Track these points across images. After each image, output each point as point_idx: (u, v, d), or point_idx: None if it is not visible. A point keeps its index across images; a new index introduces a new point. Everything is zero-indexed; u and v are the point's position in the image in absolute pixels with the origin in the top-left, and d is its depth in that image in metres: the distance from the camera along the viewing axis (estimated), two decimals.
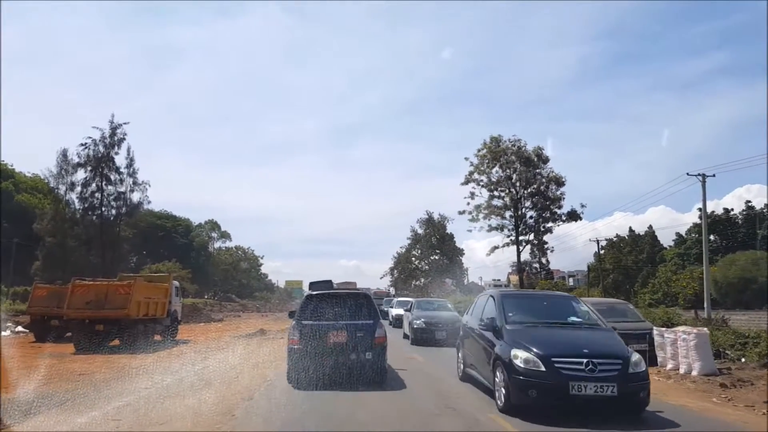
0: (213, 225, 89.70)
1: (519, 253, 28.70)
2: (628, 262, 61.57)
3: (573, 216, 28.57)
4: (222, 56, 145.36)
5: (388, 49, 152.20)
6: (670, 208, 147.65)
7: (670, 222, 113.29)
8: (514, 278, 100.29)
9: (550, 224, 28.64)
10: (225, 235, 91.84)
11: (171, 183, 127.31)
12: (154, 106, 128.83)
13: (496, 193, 28.64)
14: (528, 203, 28.47)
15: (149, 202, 48.21)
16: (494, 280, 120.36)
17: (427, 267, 64.51)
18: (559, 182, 28.15)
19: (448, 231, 64.52)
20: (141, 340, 17.56)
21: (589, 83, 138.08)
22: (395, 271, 67.71)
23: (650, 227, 64.22)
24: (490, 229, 29.04)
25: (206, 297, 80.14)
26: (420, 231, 65.79)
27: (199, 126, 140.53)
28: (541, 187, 28.00)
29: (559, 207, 28.32)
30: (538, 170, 28.27)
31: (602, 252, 65.79)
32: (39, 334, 20.78)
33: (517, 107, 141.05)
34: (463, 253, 66.28)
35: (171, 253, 76.28)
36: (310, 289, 11.56)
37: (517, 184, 28.06)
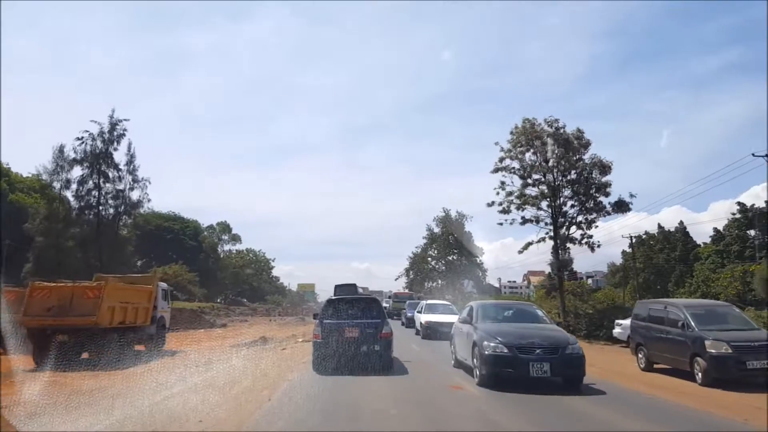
0: (224, 227, 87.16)
1: (557, 248, 25.27)
2: (660, 261, 57.74)
3: (621, 206, 24.77)
4: (233, 59, 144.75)
5: (398, 49, 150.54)
6: (685, 208, 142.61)
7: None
8: (535, 279, 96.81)
9: (593, 216, 24.88)
10: (235, 238, 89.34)
11: (182, 186, 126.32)
12: (165, 109, 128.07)
13: (530, 180, 25.14)
14: (567, 192, 24.91)
15: (149, 200, 45.43)
16: (509, 282, 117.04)
17: (444, 267, 60.94)
18: (605, 168, 24.43)
19: (467, 230, 61.06)
20: (116, 353, 14.63)
21: (600, 81, 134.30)
22: (411, 272, 64.21)
23: (681, 223, 60.29)
24: (524, 221, 25.52)
25: (218, 300, 77.99)
26: (437, 230, 62.31)
27: (210, 129, 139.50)
28: (583, 173, 24.48)
29: (606, 194, 24.47)
30: (578, 156, 24.69)
31: (631, 250, 62.13)
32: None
33: (529, 105, 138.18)
34: (483, 253, 62.71)
35: (179, 256, 73.77)
36: (335, 291, 15.05)
37: (555, 169, 24.56)
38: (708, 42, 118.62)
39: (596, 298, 36.80)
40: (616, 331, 20.42)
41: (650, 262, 58.08)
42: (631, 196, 24.58)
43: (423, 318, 23.11)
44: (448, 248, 60.58)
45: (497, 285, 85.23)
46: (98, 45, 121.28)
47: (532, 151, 25.15)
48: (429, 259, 63.00)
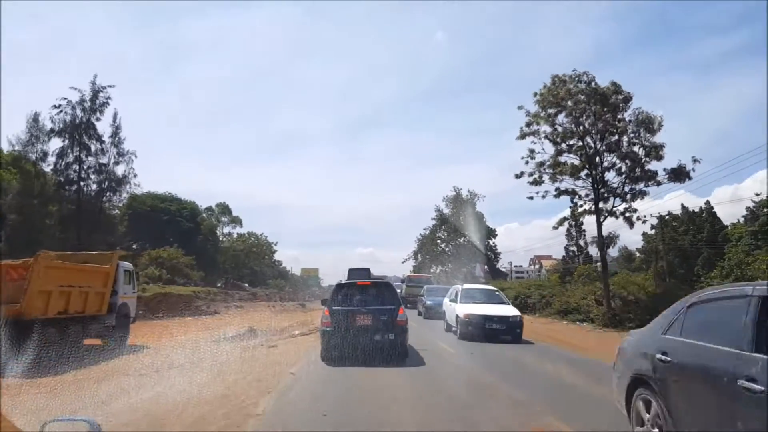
0: (223, 208, 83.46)
1: (600, 224, 21.51)
2: (685, 243, 53.95)
3: (679, 174, 20.19)
4: (232, 50, 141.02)
5: (398, 38, 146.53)
6: (689, 193, 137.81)
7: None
8: (548, 263, 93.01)
9: (642, 185, 20.72)
10: (236, 220, 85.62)
11: (184, 177, 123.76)
12: (165, 100, 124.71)
13: (564, 146, 21.23)
14: (610, 158, 20.86)
15: (135, 176, 41.70)
16: (516, 266, 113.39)
17: (454, 251, 57.22)
18: (653, 125, 20.15)
19: (478, 210, 57.39)
20: (55, 350, 11.13)
21: (605, 65, 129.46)
22: (419, 255, 60.47)
23: (707, 203, 56.30)
24: (559, 193, 21.71)
25: (219, 285, 74.74)
26: (446, 210, 58.62)
27: (212, 120, 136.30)
28: (626, 135, 20.38)
29: (659, 158, 20.19)
30: (618, 113, 20.54)
31: (653, 231, 58.52)
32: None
33: (532, 91, 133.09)
34: (496, 235, 58.97)
35: (176, 238, 70.31)
36: (349, 275, 12.90)
37: (592, 132, 20.60)
38: (715, 24, 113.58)
39: (616, 283, 33.50)
40: None
41: (675, 244, 54.29)
42: (694, 161, 19.93)
43: (462, 310, 17.00)
44: (458, 230, 56.93)
45: (505, 269, 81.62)
46: (96, 34, 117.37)
47: (564, 113, 21.16)
48: (438, 241, 59.32)
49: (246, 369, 9.82)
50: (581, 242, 71.21)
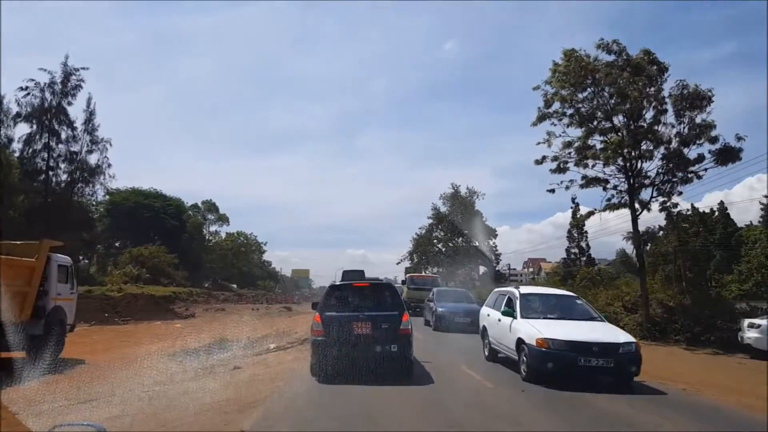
0: (209, 206, 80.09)
1: (635, 217, 18.62)
2: (696, 246, 51.26)
3: (727, 155, 16.96)
4: (228, 44, 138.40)
5: (395, 37, 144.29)
6: (680, 198, 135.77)
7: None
8: (546, 266, 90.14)
9: (685, 172, 17.56)
10: (223, 218, 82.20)
11: (176, 172, 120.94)
12: (159, 94, 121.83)
13: (594, 124, 18.26)
14: (645, 145, 17.77)
15: (109, 166, 38.46)
16: (511, 269, 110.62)
17: (452, 251, 54.12)
18: (700, 99, 16.94)
19: (477, 208, 54.47)
20: None
21: None
22: (414, 255, 57.31)
23: (721, 203, 53.66)
24: (587, 182, 18.77)
25: (206, 285, 71.54)
26: (443, 209, 55.58)
27: (204, 115, 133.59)
28: (664, 111, 17.36)
29: (712, 140, 16.85)
30: (655, 86, 17.48)
31: (661, 233, 55.79)
32: None
33: (526, 94, 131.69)
34: (496, 235, 56.01)
35: (161, 236, 66.97)
36: (343, 278, 11.19)
37: (626, 109, 17.58)
38: (707, 33, 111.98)
39: (617, 286, 30.70)
40: (751, 336, 13.99)
41: (685, 246, 51.59)
42: (738, 139, 16.58)
43: (532, 330, 9.87)
44: (456, 229, 53.95)
45: (505, 272, 78.77)
46: (90, 25, 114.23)
47: (590, 89, 18.15)
48: (435, 241, 56.28)
49: (179, 414, 6.61)
50: (583, 244, 68.95)
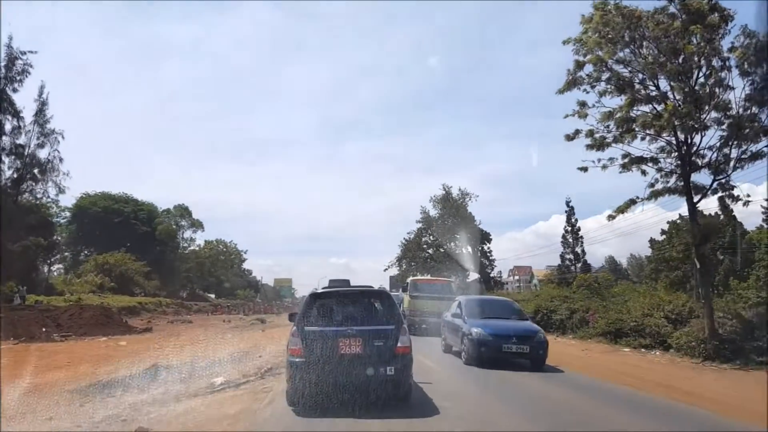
0: (182, 211, 75.69)
1: (693, 206, 15.08)
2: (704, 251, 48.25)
3: None
4: (211, 52, 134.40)
5: (379, 46, 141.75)
6: (658, 206, 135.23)
7: (659, 220, 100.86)
8: (540, 272, 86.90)
9: (753, 147, 13.85)
10: (196, 224, 77.80)
11: (157, 181, 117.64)
12: (141, 101, 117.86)
13: (636, 92, 14.67)
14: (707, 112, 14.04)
15: (61, 161, 34.34)
16: (498, 275, 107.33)
17: (442, 256, 50.48)
18: None
19: (470, 211, 51.09)
20: None
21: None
22: (403, 261, 53.47)
23: (727, 206, 50.84)
24: (630, 161, 15.20)
25: (182, 294, 67.23)
26: (434, 212, 52.07)
27: (187, 123, 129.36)
28: (729, 71, 13.74)
29: None
30: (717, 39, 13.82)
31: (663, 239, 53.77)
32: None
33: (512, 104, 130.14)
34: (490, 239, 52.58)
35: (131, 243, 62.56)
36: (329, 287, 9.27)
37: (682, 68, 14.00)
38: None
39: (615, 294, 28.14)
40: None
41: (690, 251, 48.60)
42: None
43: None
44: (447, 233, 50.46)
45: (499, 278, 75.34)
46: (73, 36, 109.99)
47: (635, 44, 14.70)
48: (425, 246, 52.65)
49: None
50: (578, 249, 65.79)
